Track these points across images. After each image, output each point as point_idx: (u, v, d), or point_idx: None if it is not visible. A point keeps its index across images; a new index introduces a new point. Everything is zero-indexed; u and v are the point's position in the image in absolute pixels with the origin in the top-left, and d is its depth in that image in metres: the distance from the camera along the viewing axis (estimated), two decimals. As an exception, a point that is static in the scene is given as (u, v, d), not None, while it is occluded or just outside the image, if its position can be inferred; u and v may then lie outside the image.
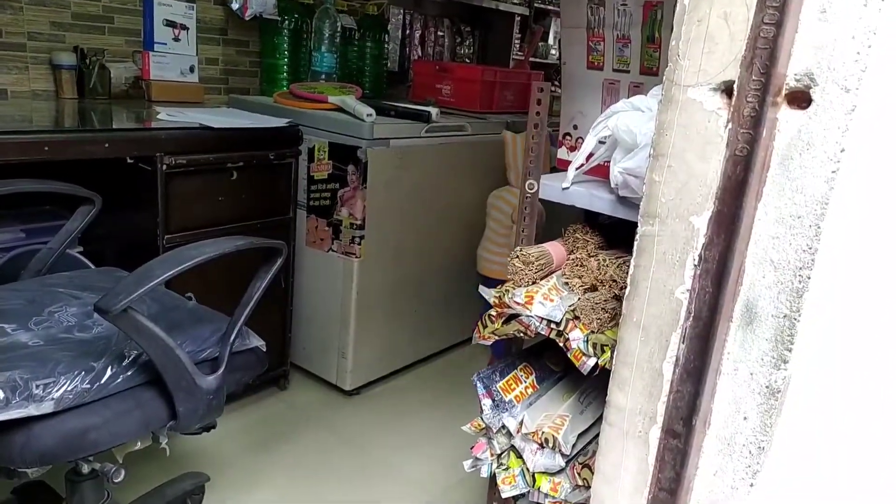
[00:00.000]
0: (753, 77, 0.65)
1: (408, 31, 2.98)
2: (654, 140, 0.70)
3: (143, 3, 2.07)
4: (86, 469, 1.24)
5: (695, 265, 0.65)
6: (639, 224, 0.69)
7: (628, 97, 1.14)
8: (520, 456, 1.12)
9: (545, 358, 1.26)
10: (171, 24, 2.10)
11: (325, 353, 2.17)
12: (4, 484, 1.51)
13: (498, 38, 3.33)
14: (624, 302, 0.69)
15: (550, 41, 3.54)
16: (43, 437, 0.96)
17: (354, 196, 2.02)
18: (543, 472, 1.07)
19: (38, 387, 0.95)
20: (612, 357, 0.97)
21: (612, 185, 1.02)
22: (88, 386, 1.00)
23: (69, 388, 0.98)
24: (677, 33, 0.70)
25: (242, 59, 2.43)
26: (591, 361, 0.98)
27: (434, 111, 2.16)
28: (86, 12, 2.00)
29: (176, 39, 2.13)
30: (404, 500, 1.70)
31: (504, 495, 1.11)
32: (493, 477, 1.18)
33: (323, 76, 2.44)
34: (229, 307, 1.31)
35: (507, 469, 1.12)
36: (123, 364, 1.05)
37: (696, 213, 0.66)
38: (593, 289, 1.07)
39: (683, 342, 0.65)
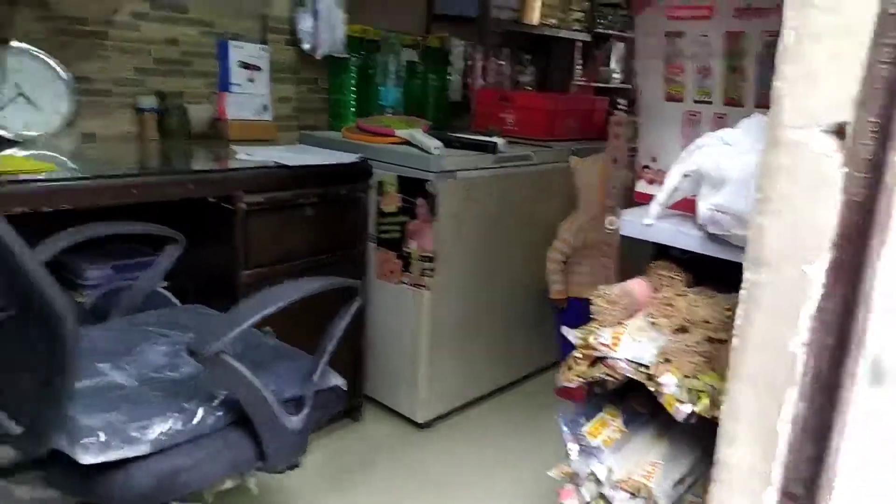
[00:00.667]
0: (869, 118, 0.61)
1: (469, 62, 3.01)
2: (759, 183, 0.67)
3: (218, 46, 2.16)
4: (174, 505, 1.27)
5: (811, 317, 0.62)
6: (745, 271, 0.67)
7: (711, 129, 1.11)
8: None
9: (630, 399, 1.22)
10: (245, 65, 2.18)
11: (397, 384, 2.18)
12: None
13: (559, 64, 3.32)
14: (731, 354, 0.66)
15: (612, 65, 3.51)
16: (139, 478, 0.99)
17: (423, 228, 2.03)
18: (635, 522, 1.03)
19: (134, 429, 0.98)
20: (710, 404, 0.93)
21: (700, 222, 0.99)
22: (181, 427, 1.02)
23: (164, 430, 1.00)
24: (780, 73, 0.67)
25: (313, 96, 2.50)
26: (687, 409, 0.94)
27: (500, 141, 2.16)
28: (166, 57, 2.10)
29: (250, 80, 2.20)
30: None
31: (593, 544, 1.08)
32: (577, 522, 1.14)
33: (389, 110, 2.48)
34: (304, 339, 1.34)
35: (595, 517, 1.09)
36: (213, 405, 1.07)
37: (809, 260, 0.63)
38: (682, 330, 1.03)
39: (802, 400, 0.61)
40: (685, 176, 1.08)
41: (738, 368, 0.66)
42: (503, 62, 3.03)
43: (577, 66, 3.35)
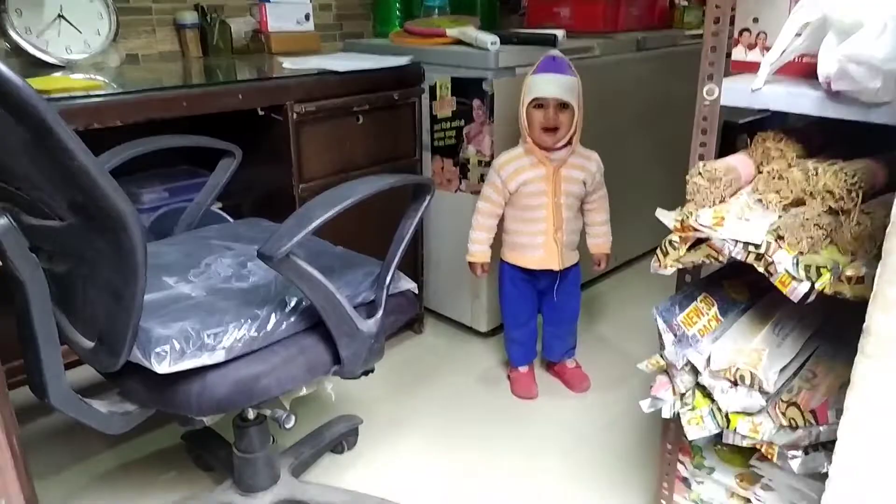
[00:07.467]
0: None
1: (518, -46, 2.78)
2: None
3: (256, -48, 2.03)
4: (252, 415, 1.26)
5: None
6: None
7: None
8: (708, 395, 1.00)
9: (725, 287, 1.12)
10: (284, -30, 2.06)
11: (457, 295, 2.13)
12: (174, 429, 1.59)
13: (614, -49, 3.04)
14: (894, 208, 0.56)
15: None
16: (217, 386, 0.96)
17: (481, 132, 1.92)
18: (740, 412, 0.96)
19: (209, 336, 0.94)
20: (832, 279, 0.83)
21: (823, 78, 0.85)
22: (256, 333, 0.98)
23: (238, 337, 0.96)
24: None
25: (353, 1, 2.36)
26: (804, 287, 0.84)
27: (560, 33, 2.00)
28: (203, -32, 1.99)
29: (290, -13, 2.08)
30: (551, 441, 1.64)
31: (691, 437, 1.01)
32: (670, 419, 1.08)
33: (436, 11, 2.32)
34: (363, 251, 1.28)
35: (692, 409, 1.02)
36: (286, 311, 1.03)
37: None
38: (798, 203, 0.92)
39: None
40: (797, 35, 0.94)
41: (901, 222, 0.55)
42: (554, -48, 2.79)
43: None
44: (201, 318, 0.98)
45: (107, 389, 1.09)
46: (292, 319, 1.03)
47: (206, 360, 0.93)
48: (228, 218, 1.76)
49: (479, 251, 1.75)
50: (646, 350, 1.11)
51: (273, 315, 1.01)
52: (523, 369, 1.86)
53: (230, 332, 0.96)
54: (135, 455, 1.57)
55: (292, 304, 1.04)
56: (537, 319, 1.85)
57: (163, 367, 0.90)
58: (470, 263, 1.77)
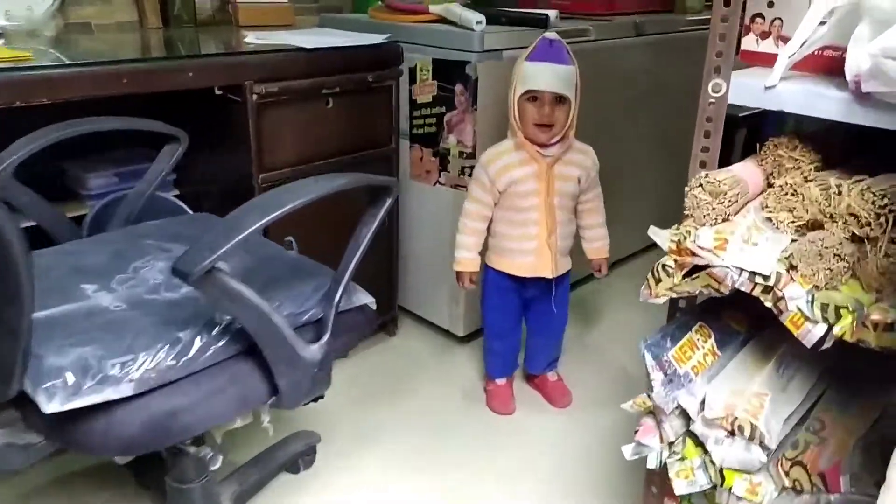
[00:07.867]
0: None
1: (512, -72, 2.60)
2: None
3: (222, -86, 1.85)
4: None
5: None
6: None
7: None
8: (700, 444, 0.87)
9: (724, 316, 0.98)
10: (253, -65, 1.88)
11: (435, 296, 1.98)
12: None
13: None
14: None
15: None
16: (125, 424, 0.81)
17: (463, 120, 1.76)
18: (737, 469, 0.82)
19: (113, 366, 0.80)
20: (855, 324, 0.69)
21: (851, 76, 0.71)
22: (173, 362, 0.84)
23: (150, 367, 0.82)
24: None
25: (332, -29, 2.19)
26: (820, 329, 0.70)
27: (552, 14, 1.84)
28: (163, -71, 1.81)
29: (260, -46, 1.91)
30: (528, 463, 1.50)
31: (678, 492, 0.88)
32: (656, 468, 0.94)
33: (421, -16, 2.15)
34: (333, 251, 1.13)
35: (682, 460, 0.88)
36: (213, 333, 0.88)
37: None
38: (814, 226, 0.77)
39: None
40: (821, 23, 0.79)
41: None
42: (551, -74, 2.61)
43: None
44: (108, 343, 0.83)
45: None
46: (221, 343, 0.88)
47: (109, 394, 0.79)
48: (185, 208, 1.61)
49: (467, 258, 1.56)
50: (634, 362, 0.98)
51: (198, 339, 0.87)
52: (501, 382, 1.71)
53: (140, 360, 0.81)
54: (71, 468, 1.43)
55: (223, 324, 0.90)
56: (521, 329, 1.70)
57: (52, 407, 0.75)
58: (457, 273, 1.59)
